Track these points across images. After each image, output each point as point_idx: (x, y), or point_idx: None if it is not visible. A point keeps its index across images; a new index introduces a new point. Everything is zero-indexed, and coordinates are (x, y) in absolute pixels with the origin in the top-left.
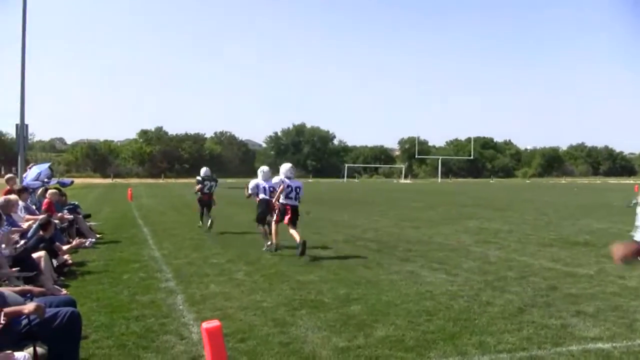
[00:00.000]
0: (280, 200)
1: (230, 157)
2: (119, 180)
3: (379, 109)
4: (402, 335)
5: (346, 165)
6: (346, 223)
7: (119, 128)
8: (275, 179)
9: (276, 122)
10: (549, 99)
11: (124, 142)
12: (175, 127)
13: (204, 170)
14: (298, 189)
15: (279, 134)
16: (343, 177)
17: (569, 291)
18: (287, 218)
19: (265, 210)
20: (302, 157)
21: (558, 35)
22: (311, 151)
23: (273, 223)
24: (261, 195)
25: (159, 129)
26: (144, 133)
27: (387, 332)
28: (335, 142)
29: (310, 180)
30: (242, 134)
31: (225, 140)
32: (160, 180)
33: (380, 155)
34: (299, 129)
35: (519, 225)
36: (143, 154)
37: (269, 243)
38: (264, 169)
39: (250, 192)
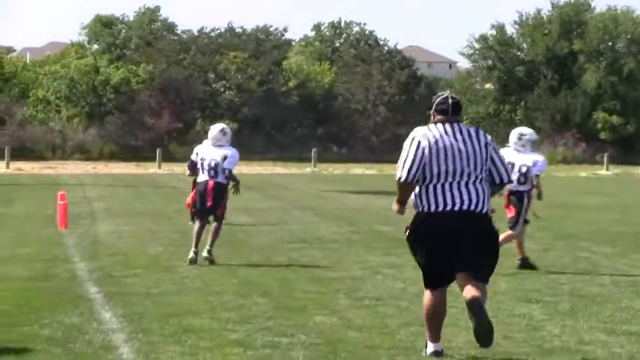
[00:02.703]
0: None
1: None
2: (24, 166)
3: None
4: None
5: None
6: None
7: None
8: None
9: None
10: None
11: (37, 51)
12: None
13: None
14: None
15: (523, 20)
16: None
17: None
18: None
19: None
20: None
21: None
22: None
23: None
24: None
25: (153, 16)
26: (102, 26)
27: None
28: None
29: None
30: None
31: (359, 46)
32: (156, 169)
33: None
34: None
35: None
36: (97, 89)
37: None
38: None
39: None
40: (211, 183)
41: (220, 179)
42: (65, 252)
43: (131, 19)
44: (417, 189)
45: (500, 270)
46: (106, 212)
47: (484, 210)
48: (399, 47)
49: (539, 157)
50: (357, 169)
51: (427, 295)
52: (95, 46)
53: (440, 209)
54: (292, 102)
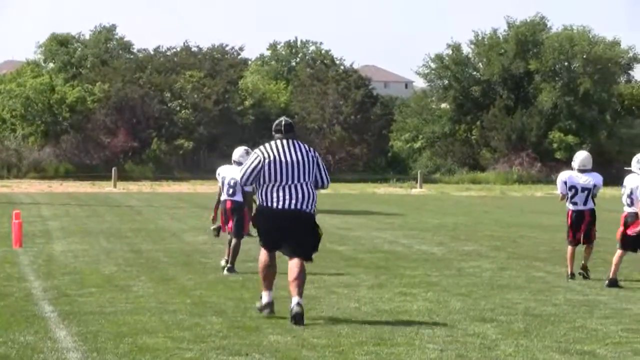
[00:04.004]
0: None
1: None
2: None
3: None
4: None
5: None
6: None
7: None
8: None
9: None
10: None
11: None
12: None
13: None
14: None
15: (482, 38)
16: None
17: None
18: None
19: None
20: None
21: None
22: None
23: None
24: None
25: (109, 34)
26: (58, 44)
27: None
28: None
29: None
30: (339, 52)
31: (315, 65)
32: (111, 188)
33: None
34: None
35: None
36: (53, 108)
37: None
38: None
39: None
40: (229, 203)
41: (238, 197)
42: (20, 270)
43: (87, 37)
44: (259, 190)
45: (454, 290)
46: (61, 231)
47: (308, 209)
48: (355, 66)
49: None
50: None
51: (263, 253)
52: (51, 65)
53: (274, 205)
54: (248, 121)
